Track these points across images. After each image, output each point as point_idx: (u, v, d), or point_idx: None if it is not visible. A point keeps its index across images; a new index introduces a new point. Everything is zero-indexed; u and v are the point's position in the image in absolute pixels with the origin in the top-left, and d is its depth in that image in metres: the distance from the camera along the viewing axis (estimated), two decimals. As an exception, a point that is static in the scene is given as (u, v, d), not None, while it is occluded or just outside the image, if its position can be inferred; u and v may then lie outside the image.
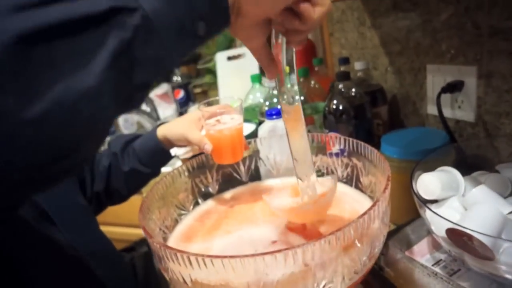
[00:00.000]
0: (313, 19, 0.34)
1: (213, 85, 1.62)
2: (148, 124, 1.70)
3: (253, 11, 0.32)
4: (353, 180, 0.57)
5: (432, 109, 0.80)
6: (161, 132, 0.67)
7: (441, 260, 0.50)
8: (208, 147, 0.57)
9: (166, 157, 0.70)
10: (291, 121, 0.43)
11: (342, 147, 0.57)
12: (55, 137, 0.22)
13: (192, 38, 0.27)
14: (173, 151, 0.70)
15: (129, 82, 0.24)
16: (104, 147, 0.75)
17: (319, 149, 0.61)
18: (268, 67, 0.41)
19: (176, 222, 0.57)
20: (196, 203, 0.62)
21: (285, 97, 0.42)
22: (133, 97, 0.26)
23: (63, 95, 0.21)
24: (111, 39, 0.22)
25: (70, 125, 0.22)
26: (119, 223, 1.26)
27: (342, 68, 0.86)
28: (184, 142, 0.63)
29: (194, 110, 0.65)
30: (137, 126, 1.74)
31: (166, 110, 1.73)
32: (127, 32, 0.23)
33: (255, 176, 0.67)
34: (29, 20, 0.20)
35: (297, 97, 0.42)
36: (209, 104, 0.60)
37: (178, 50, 0.27)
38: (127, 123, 1.72)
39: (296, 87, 0.42)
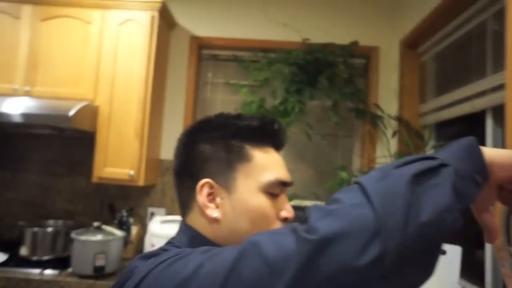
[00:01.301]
0: None
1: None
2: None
3: (501, 175, 0.42)
4: None
5: None
6: None
7: None
8: None
9: None
10: None
11: None
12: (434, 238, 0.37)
13: (474, 185, 0.41)
14: None
15: (466, 197, 0.39)
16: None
17: None
18: (489, 231, 0.44)
19: None
20: None
21: (505, 263, 0.45)
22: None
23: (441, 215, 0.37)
24: (448, 177, 0.39)
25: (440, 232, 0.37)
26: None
27: None
28: None
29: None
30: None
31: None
32: (452, 175, 0.39)
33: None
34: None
35: None
36: None
37: (470, 189, 0.41)
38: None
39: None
